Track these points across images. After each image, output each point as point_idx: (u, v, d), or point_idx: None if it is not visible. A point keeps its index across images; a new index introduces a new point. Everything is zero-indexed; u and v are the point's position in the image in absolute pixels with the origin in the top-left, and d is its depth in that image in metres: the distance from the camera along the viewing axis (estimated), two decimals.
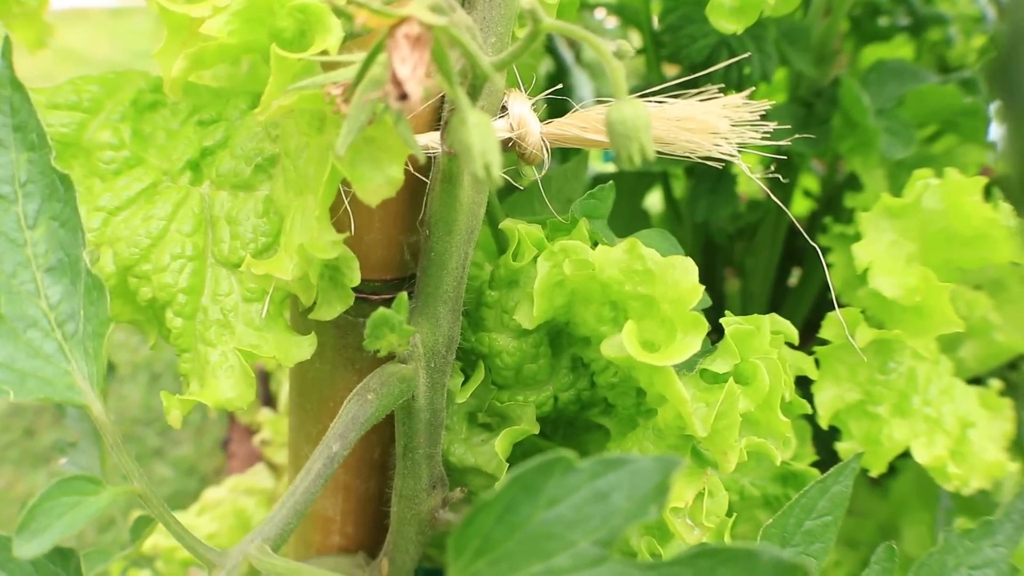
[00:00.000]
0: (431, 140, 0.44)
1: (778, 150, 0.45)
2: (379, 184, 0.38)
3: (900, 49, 1.00)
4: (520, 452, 0.52)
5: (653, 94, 0.44)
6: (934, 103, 0.75)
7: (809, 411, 0.54)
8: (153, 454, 1.95)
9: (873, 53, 0.97)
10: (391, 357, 0.45)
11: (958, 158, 0.82)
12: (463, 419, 0.52)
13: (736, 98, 0.43)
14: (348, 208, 0.44)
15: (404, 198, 0.45)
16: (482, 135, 0.32)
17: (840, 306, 0.57)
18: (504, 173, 0.43)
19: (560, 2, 0.49)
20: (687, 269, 0.43)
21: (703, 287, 0.43)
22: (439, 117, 0.46)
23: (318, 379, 0.54)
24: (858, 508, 0.88)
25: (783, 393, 0.47)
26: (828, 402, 0.58)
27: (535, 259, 0.47)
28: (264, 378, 1.55)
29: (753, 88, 0.46)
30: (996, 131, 0.78)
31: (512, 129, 0.45)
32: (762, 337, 0.47)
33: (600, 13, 1.12)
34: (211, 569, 0.38)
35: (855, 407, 0.58)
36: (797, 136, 0.73)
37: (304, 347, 0.46)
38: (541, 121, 0.45)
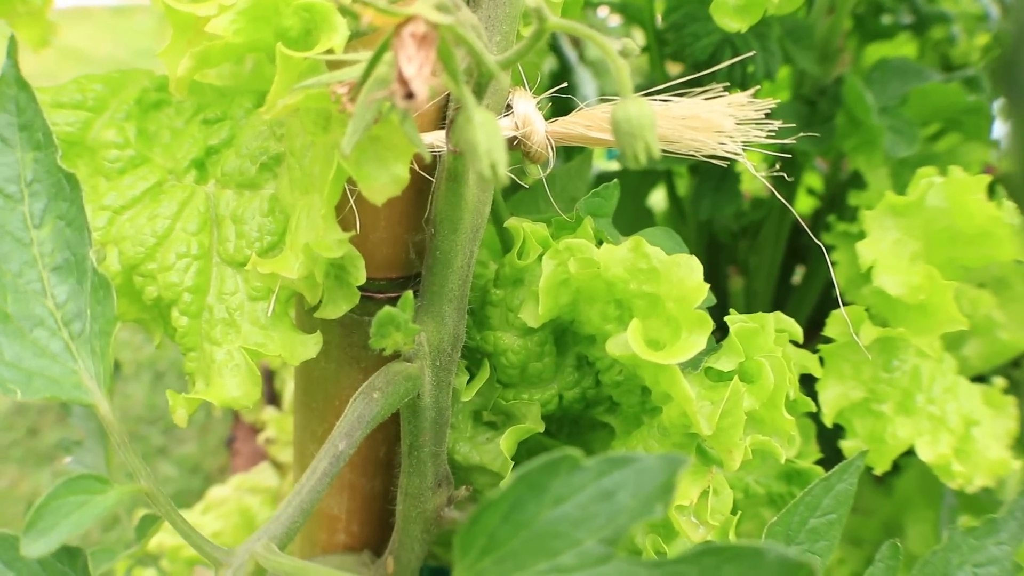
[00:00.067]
0: (436, 138, 0.44)
1: (782, 148, 0.45)
2: (385, 183, 0.39)
3: (903, 47, 1.00)
4: (525, 450, 0.53)
5: (658, 92, 0.44)
6: (937, 101, 0.75)
7: (813, 409, 0.54)
8: (157, 452, 1.95)
9: (876, 51, 0.97)
10: (396, 355, 0.45)
11: (961, 156, 0.82)
12: (468, 417, 0.52)
13: (740, 96, 0.43)
14: (354, 207, 0.44)
15: (409, 196, 0.45)
16: (488, 134, 0.32)
17: (844, 304, 0.57)
18: (509, 171, 0.43)
19: (564, 2, 0.49)
20: (692, 267, 0.43)
21: (708, 285, 0.43)
22: (444, 115, 0.46)
23: (324, 377, 0.54)
24: (862, 506, 0.88)
25: (787, 391, 0.47)
26: (832, 400, 0.59)
27: (540, 257, 0.48)
28: (268, 376, 1.56)
29: (757, 87, 0.46)
30: (999, 129, 0.78)
31: (517, 127, 0.45)
32: (766, 335, 0.47)
33: (603, 11, 1.12)
34: (217, 568, 0.38)
35: (859, 405, 0.59)
36: (801, 135, 0.73)
37: (309, 345, 0.46)
38: (546, 119, 0.46)
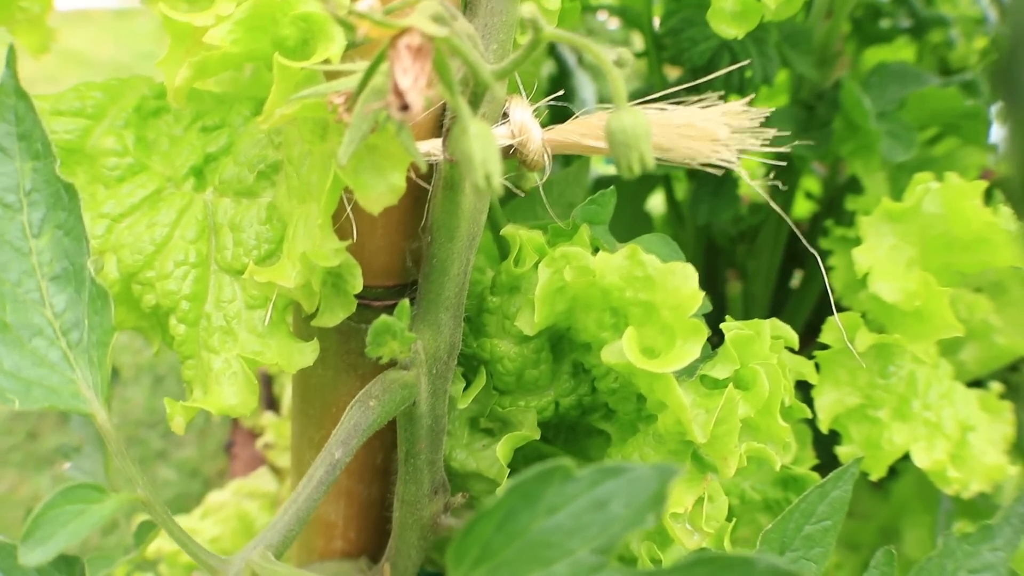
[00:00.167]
0: (433, 147, 0.44)
1: (779, 154, 0.45)
2: (381, 192, 0.39)
3: (902, 51, 1.00)
4: (521, 457, 0.53)
5: (654, 101, 0.45)
6: (935, 105, 0.75)
7: (809, 416, 0.54)
8: (157, 456, 1.95)
9: (875, 55, 0.97)
10: (393, 363, 0.45)
11: (959, 161, 0.82)
12: (465, 424, 0.53)
13: (736, 105, 0.44)
14: (350, 215, 0.44)
15: (406, 204, 0.45)
16: (483, 145, 0.32)
17: (842, 309, 0.57)
18: (506, 179, 0.44)
19: (562, 7, 0.50)
20: (687, 275, 0.43)
21: (703, 293, 0.43)
22: (441, 123, 0.47)
23: (321, 385, 0.54)
24: (859, 510, 0.88)
25: (783, 398, 0.47)
26: (828, 406, 0.59)
27: (536, 265, 0.48)
28: (267, 382, 1.56)
29: (753, 95, 0.46)
30: (998, 133, 0.78)
31: (513, 136, 0.45)
32: (762, 342, 0.48)
33: (602, 15, 1.12)
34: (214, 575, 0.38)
35: (855, 411, 0.59)
36: (798, 142, 0.73)
37: (307, 353, 0.46)
38: (543, 126, 0.46)
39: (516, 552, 0.28)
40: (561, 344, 0.51)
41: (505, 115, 0.45)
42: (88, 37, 4.32)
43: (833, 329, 0.58)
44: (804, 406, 0.53)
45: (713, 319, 0.49)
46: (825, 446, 0.62)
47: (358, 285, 0.45)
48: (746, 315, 0.92)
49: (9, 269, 0.39)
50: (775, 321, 0.50)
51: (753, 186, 0.48)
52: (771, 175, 0.57)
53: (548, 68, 1.09)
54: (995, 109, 0.76)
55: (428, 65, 0.32)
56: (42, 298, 0.39)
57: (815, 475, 0.55)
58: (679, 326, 0.43)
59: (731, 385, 0.45)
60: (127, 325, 0.48)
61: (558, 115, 0.49)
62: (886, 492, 0.88)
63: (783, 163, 0.47)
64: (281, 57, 0.39)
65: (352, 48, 0.39)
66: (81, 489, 0.36)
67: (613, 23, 1.24)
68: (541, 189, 0.49)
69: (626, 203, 0.92)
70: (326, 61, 0.38)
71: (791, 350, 0.52)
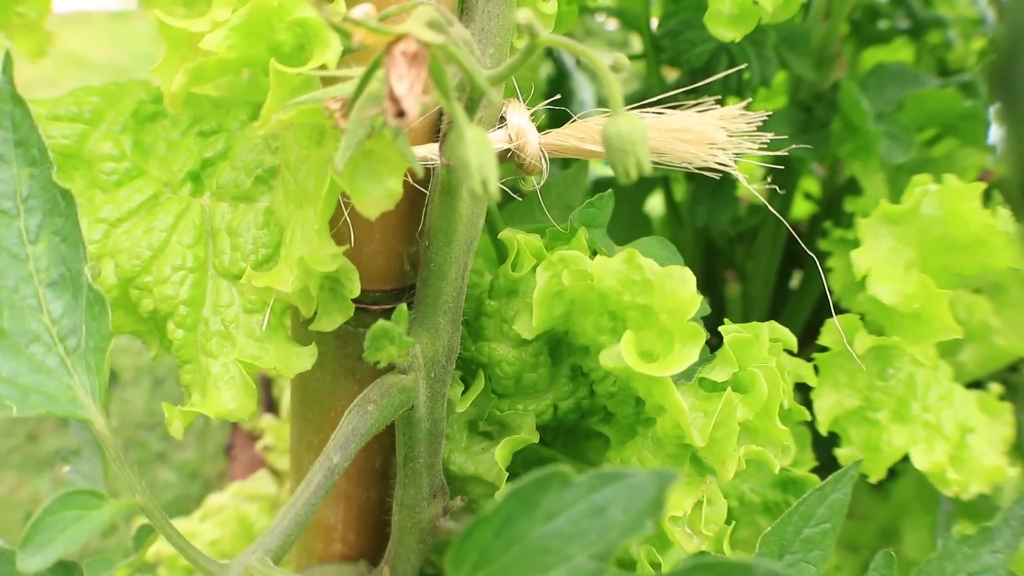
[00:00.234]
0: (430, 151, 0.44)
1: (777, 155, 0.45)
2: (378, 197, 0.39)
3: (900, 52, 1.00)
4: (520, 460, 0.53)
5: (651, 104, 0.45)
6: (934, 107, 0.75)
7: (808, 418, 0.54)
8: (156, 458, 1.95)
9: (873, 56, 0.97)
10: (391, 367, 0.45)
11: (958, 162, 0.82)
12: (463, 428, 0.53)
13: (733, 109, 0.44)
14: (348, 219, 0.44)
15: (403, 209, 0.45)
16: (479, 151, 0.32)
17: (841, 311, 0.57)
18: (503, 183, 0.44)
19: (559, 10, 0.50)
20: (685, 279, 0.43)
21: (701, 296, 0.43)
22: (438, 127, 0.47)
23: (319, 389, 0.54)
24: (859, 512, 0.88)
25: (782, 401, 0.47)
26: (827, 408, 0.59)
27: (534, 269, 0.48)
28: (267, 384, 1.56)
29: (750, 99, 0.46)
30: (996, 134, 0.78)
31: (511, 140, 0.45)
32: (760, 345, 0.48)
33: (600, 17, 1.12)
34: None
35: (854, 413, 0.59)
36: (796, 146, 0.73)
37: (305, 358, 0.46)
38: (541, 130, 0.46)
39: (514, 558, 0.29)
40: (559, 348, 0.51)
41: (502, 119, 0.45)
42: (86, 39, 4.32)
43: (832, 331, 0.58)
44: (803, 408, 0.53)
45: (712, 321, 0.49)
46: (824, 448, 0.62)
47: (355, 290, 0.45)
48: (745, 316, 0.92)
49: (6, 275, 0.39)
50: (774, 324, 0.50)
51: (751, 189, 0.48)
52: (769, 177, 0.57)
53: (546, 70, 1.09)
54: (993, 110, 0.76)
55: (424, 71, 0.32)
56: (39, 304, 0.39)
57: (814, 477, 0.55)
58: (677, 330, 0.43)
59: (730, 388, 0.45)
60: (125, 329, 0.48)
61: (557, 117, 0.49)
62: (886, 493, 0.88)
63: (781, 166, 0.47)
64: (277, 63, 0.39)
65: (348, 54, 0.39)
66: (80, 495, 0.36)
67: (611, 25, 1.24)
68: (539, 192, 0.49)
69: (625, 205, 0.92)
70: (322, 67, 0.38)
71: (790, 352, 0.52)
